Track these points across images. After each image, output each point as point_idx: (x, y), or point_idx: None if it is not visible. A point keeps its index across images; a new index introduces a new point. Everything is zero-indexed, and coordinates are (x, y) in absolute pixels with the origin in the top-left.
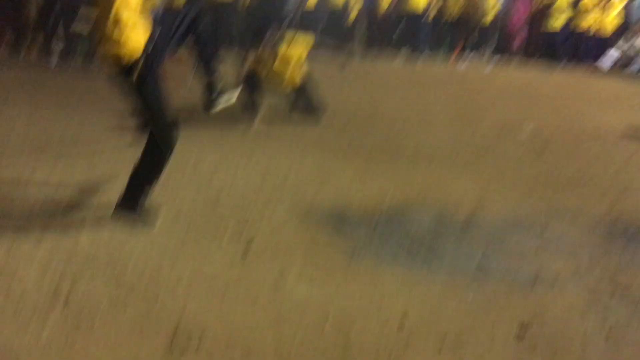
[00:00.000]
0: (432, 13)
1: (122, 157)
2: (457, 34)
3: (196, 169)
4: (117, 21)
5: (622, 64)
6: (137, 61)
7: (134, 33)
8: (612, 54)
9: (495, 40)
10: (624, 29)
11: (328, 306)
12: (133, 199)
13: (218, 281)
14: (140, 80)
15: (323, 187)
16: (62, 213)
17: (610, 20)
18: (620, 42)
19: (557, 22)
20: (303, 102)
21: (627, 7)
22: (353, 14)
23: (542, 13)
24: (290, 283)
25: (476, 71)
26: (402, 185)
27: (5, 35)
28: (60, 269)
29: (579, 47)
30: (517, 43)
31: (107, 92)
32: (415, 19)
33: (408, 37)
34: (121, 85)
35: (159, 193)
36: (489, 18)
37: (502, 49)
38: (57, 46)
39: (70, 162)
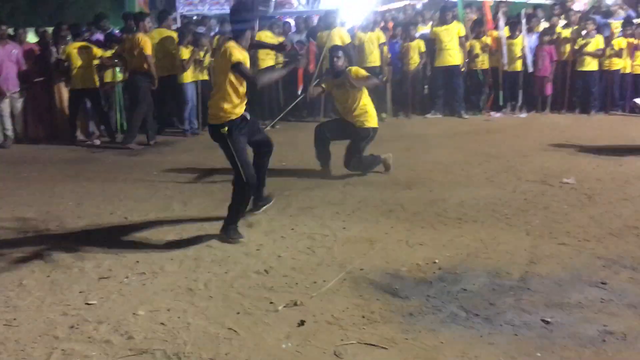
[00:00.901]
0: (464, 66)
1: None
2: (489, 84)
3: (242, 242)
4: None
5: None
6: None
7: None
8: None
9: (528, 86)
10: None
11: None
12: (228, 226)
13: (278, 354)
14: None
15: (370, 252)
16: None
17: None
18: None
19: (589, 65)
20: (359, 156)
21: None
22: (385, 72)
23: (573, 57)
24: (350, 353)
25: (511, 119)
26: (451, 246)
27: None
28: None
29: (613, 89)
30: (549, 88)
31: None
32: (448, 72)
33: (441, 91)
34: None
35: (209, 266)
36: (518, 65)
37: (535, 95)
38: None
39: None
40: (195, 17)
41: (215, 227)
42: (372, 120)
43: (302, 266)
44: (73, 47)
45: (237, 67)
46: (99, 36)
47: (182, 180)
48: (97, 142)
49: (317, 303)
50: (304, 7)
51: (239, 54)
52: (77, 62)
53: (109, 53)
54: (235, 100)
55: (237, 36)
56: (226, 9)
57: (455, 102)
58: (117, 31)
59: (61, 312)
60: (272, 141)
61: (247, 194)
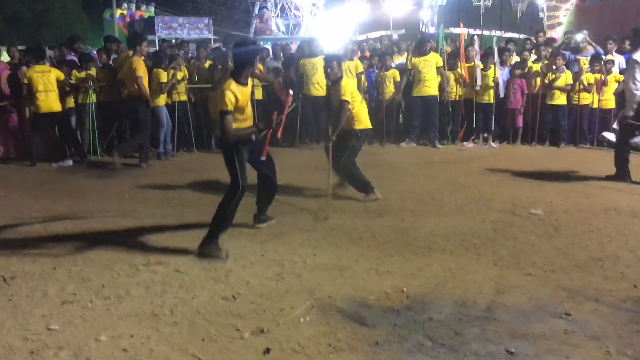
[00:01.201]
0: (444, 96)
1: None
2: (461, 114)
3: (211, 267)
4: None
5: None
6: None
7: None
8: (616, 127)
9: (499, 118)
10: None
11: None
12: (209, 241)
13: None
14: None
15: (339, 279)
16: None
17: (610, 94)
18: (615, 125)
19: (559, 99)
20: (346, 154)
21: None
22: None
23: (543, 90)
24: None
25: (483, 150)
26: (420, 275)
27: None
28: None
29: (582, 122)
30: (520, 121)
31: None
32: (424, 102)
33: (416, 121)
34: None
35: (176, 291)
36: (490, 97)
37: (507, 127)
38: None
39: None
40: (173, 41)
41: (185, 252)
42: (359, 123)
43: (270, 293)
44: (34, 72)
45: (221, 115)
46: (74, 57)
47: (152, 203)
48: (69, 162)
49: (284, 330)
50: (283, 34)
51: (229, 101)
52: (38, 86)
53: (83, 74)
54: (240, 125)
55: (236, 74)
56: (205, 34)
57: (431, 132)
58: (94, 52)
59: (21, 337)
60: (271, 156)
61: (238, 200)
